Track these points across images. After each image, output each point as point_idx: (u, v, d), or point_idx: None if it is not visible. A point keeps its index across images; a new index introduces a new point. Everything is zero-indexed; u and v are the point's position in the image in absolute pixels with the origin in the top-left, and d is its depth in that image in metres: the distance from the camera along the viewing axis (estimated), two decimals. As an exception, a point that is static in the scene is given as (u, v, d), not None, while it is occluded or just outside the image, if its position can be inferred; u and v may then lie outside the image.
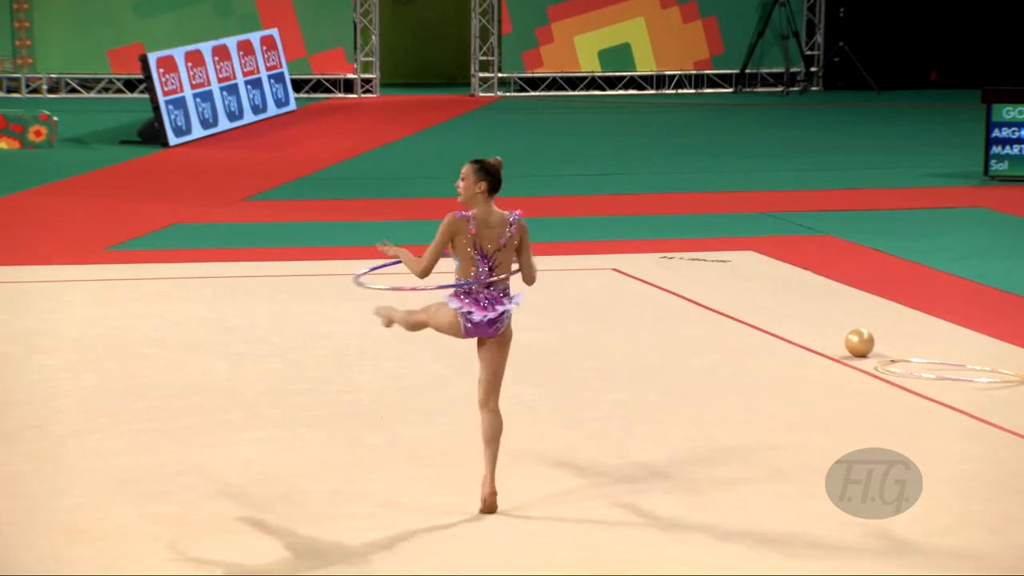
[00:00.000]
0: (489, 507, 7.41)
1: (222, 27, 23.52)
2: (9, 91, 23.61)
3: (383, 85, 25.56)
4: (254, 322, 11.11)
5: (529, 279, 7.60)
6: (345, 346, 10.48)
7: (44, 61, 23.63)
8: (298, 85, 24.29)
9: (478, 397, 7.47)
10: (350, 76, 25.19)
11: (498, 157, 7.47)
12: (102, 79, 24.04)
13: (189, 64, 20.59)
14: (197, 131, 20.55)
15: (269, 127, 21.76)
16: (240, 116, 21.68)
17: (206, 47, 21.17)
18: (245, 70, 21.93)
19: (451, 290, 7.46)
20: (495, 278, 7.38)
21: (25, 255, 13.43)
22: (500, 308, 7.36)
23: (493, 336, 7.41)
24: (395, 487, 7.75)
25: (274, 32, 23.12)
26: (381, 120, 23.18)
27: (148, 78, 19.87)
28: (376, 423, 8.83)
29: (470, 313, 7.34)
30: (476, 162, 7.42)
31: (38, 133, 19.44)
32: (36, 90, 23.76)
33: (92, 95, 23.94)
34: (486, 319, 7.34)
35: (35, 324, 10.93)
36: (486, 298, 7.39)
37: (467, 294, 7.41)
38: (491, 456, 7.42)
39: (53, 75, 23.83)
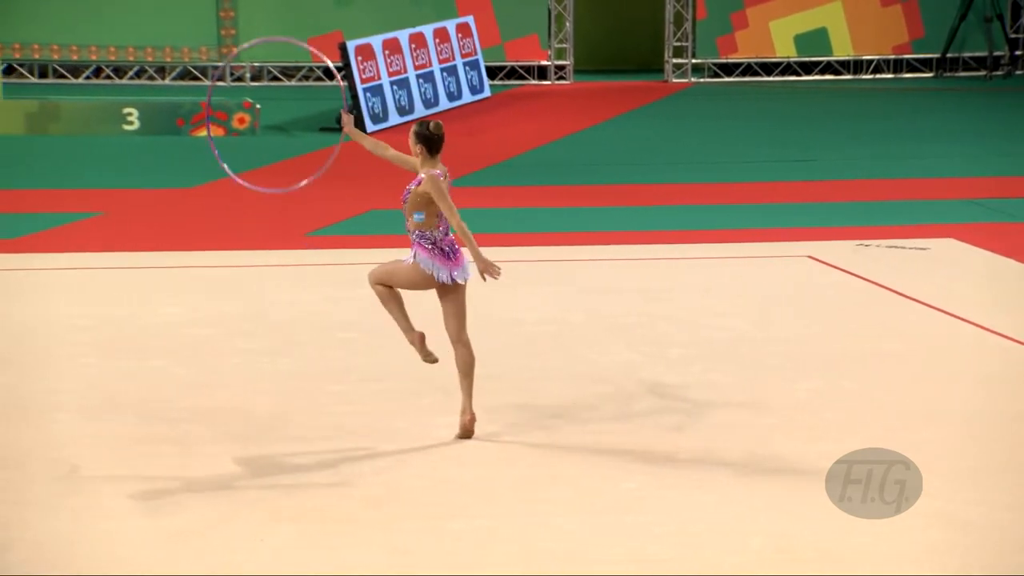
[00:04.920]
0: (467, 432, 8.15)
1: (419, 15, 23.73)
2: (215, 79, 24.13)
3: (576, 72, 25.56)
4: (448, 307, 11.19)
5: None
6: (537, 332, 10.52)
7: (248, 50, 24.09)
8: (492, 72, 24.41)
9: (450, 336, 8.26)
10: (544, 63, 25.24)
11: (438, 121, 8.23)
12: (302, 67, 24.45)
13: (386, 52, 20.84)
14: (393, 118, 20.79)
15: (463, 114, 21.92)
16: (435, 103, 21.87)
17: (403, 35, 21.39)
18: (441, 57, 22.12)
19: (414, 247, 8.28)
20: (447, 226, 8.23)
21: (227, 240, 13.73)
22: (459, 262, 8.25)
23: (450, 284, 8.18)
24: (584, 474, 7.74)
25: (469, 20, 23.26)
26: (574, 107, 23.19)
27: (347, 66, 20.15)
28: (566, 412, 8.83)
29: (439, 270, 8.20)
30: (415, 126, 8.18)
31: (241, 120, 19.85)
32: (240, 78, 24.25)
33: (293, 83, 24.36)
34: (442, 279, 8.21)
35: (236, 308, 11.16)
36: (447, 244, 8.26)
37: (433, 243, 8.22)
38: (468, 387, 8.21)
39: (256, 63, 24.30)
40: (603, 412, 8.78)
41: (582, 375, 9.51)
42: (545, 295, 11.59)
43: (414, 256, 8.29)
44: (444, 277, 8.23)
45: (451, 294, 8.30)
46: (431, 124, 8.21)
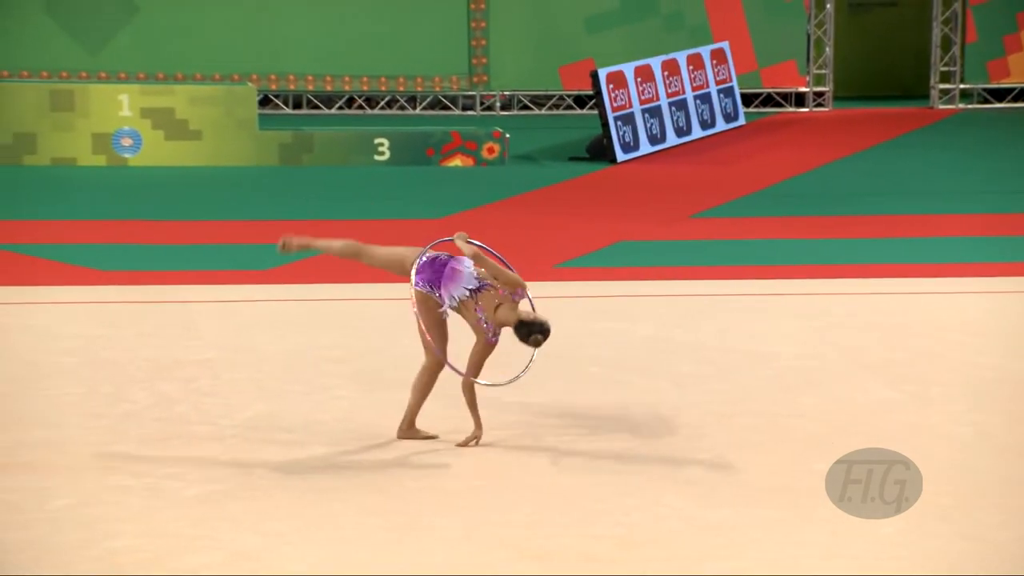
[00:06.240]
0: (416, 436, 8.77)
1: (672, 41, 23.75)
2: (464, 109, 24.51)
3: (836, 98, 25.26)
4: (700, 341, 11.18)
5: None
6: (792, 367, 10.41)
7: (498, 79, 24.42)
8: (748, 99, 24.29)
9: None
10: (802, 89, 25.02)
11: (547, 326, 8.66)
12: (553, 96, 24.67)
13: (638, 79, 20.90)
14: (644, 147, 20.83)
15: (717, 142, 21.85)
16: (688, 132, 21.85)
17: (655, 62, 21.43)
18: (694, 84, 22.09)
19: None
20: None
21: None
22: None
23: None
24: (840, 516, 7.62)
25: (724, 45, 23.19)
26: (833, 135, 22.93)
27: (598, 94, 20.27)
28: (820, 451, 8.71)
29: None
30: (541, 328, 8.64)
31: (491, 150, 20.12)
32: (490, 107, 24.58)
33: (543, 112, 24.59)
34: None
35: (484, 340, 11.27)
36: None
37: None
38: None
39: (506, 92, 24.61)
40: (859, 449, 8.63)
41: (838, 412, 9.38)
42: (800, 329, 11.46)
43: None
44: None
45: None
46: (541, 328, 8.62)
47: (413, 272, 8.68)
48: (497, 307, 8.67)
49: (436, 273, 8.69)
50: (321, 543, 7.35)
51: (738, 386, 10.02)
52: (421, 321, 8.66)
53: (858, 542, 7.34)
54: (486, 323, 8.64)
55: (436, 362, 8.73)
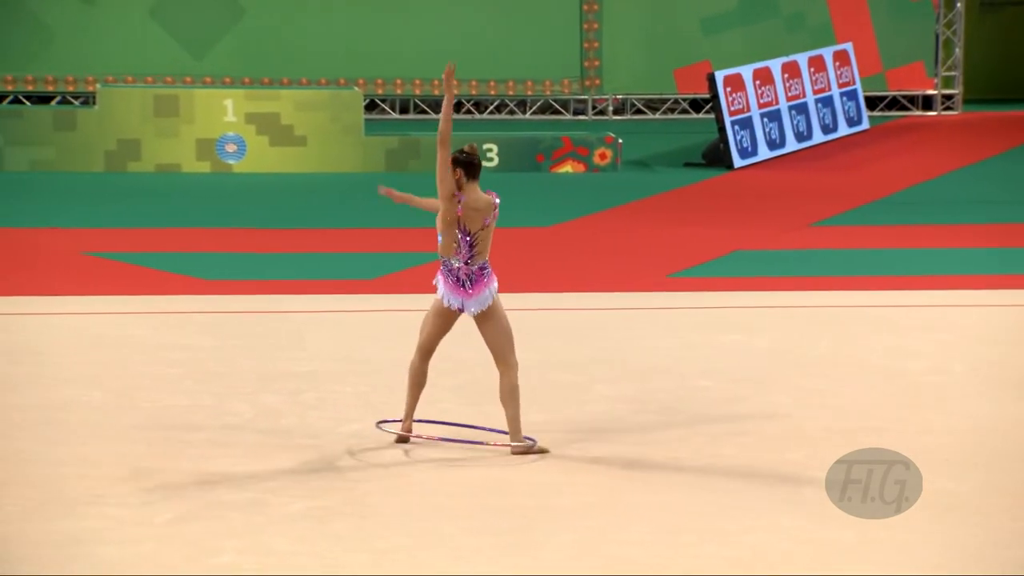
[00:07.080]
0: (531, 450, 8.71)
1: (793, 42, 23.62)
2: (576, 113, 24.52)
3: (966, 101, 24.98)
4: (819, 355, 11.10)
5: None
6: (920, 382, 10.31)
7: (611, 82, 24.41)
8: (872, 102, 24.09)
9: (494, 358, 8.83)
10: (930, 92, 24.77)
11: (473, 144, 8.89)
12: (668, 99, 24.61)
13: (757, 82, 20.80)
14: (763, 152, 20.72)
15: (839, 147, 21.68)
16: (809, 136, 21.71)
17: (775, 64, 21.32)
18: (815, 87, 21.94)
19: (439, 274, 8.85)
20: (473, 255, 8.73)
21: (586, 281, 13.91)
22: (473, 294, 8.73)
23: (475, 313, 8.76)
24: (968, 535, 7.54)
25: (848, 47, 23.02)
26: (962, 139, 22.68)
27: (714, 97, 20.20)
28: (952, 467, 8.61)
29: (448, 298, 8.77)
30: (455, 152, 8.74)
31: (603, 156, 20.11)
32: (602, 112, 24.58)
33: (657, 116, 24.54)
34: (452, 306, 8.76)
35: (595, 352, 11.29)
36: (465, 274, 8.75)
37: (449, 271, 8.78)
38: (511, 416, 8.72)
39: (619, 96, 24.59)
40: (987, 470, 8.53)
41: (965, 430, 9.27)
42: (926, 342, 11.36)
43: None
44: (455, 305, 8.78)
45: (482, 322, 8.82)
46: (466, 147, 8.83)
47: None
48: (470, 199, 8.78)
49: (472, 286, 8.81)
50: (430, 563, 7.38)
51: (861, 401, 9.93)
52: (485, 338, 8.91)
53: (989, 565, 7.25)
54: (495, 206, 8.86)
55: (511, 370, 8.85)
